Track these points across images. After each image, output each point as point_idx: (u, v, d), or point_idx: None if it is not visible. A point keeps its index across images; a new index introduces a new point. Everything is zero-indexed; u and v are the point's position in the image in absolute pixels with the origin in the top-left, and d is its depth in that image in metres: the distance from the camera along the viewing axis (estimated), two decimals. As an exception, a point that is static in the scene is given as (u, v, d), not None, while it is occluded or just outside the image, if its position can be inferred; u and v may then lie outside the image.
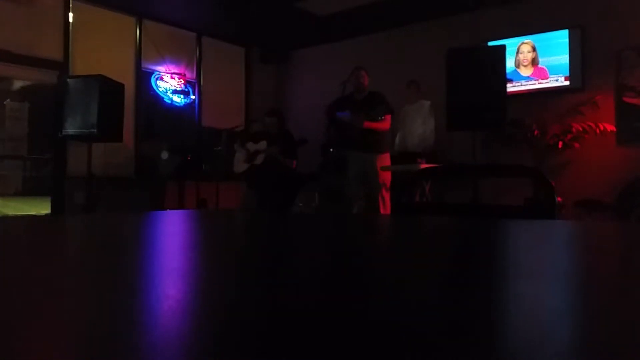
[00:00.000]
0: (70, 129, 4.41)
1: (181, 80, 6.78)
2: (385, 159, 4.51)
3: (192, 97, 6.92)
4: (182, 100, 6.79)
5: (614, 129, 5.10)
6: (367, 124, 4.27)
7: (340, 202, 4.79)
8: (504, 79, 3.77)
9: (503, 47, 3.75)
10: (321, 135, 4.97)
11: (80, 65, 5.67)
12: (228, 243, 0.80)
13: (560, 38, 5.44)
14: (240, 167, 5.16)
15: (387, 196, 4.47)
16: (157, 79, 6.53)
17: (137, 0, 5.93)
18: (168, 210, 5.02)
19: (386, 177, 4.48)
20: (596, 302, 0.39)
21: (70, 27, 5.73)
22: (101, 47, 5.97)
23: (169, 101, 6.65)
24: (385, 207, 4.44)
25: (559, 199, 4.67)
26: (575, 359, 0.24)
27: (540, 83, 5.59)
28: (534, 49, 5.63)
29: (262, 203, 4.91)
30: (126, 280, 0.44)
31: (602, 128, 5.07)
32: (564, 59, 5.42)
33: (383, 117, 4.28)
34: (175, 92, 6.71)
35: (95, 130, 4.31)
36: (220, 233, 1.00)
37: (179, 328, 0.29)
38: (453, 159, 5.43)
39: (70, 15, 5.73)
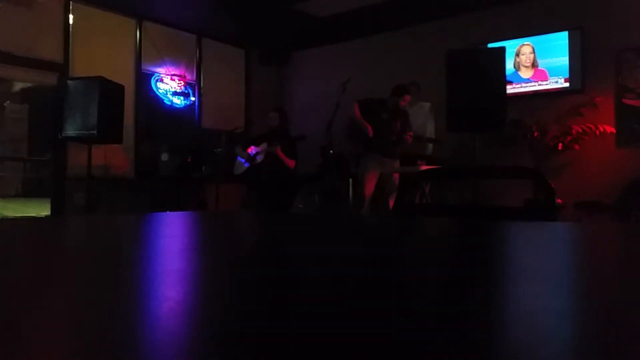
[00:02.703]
0: (70, 131, 4.41)
1: (181, 82, 6.78)
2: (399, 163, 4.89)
3: (192, 98, 6.92)
4: (182, 101, 6.79)
5: (613, 130, 5.10)
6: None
7: (340, 202, 4.85)
8: (504, 81, 3.77)
9: (503, 49, 3.75)
10: (321, 136, 4.99)
11: (80, 66, 5.67)
12: (228, 244, 0.80)
13: (560, 40, 5.44)
14: (240, 169, 5.18)
15: None
16: (157, 80, 6.54)
17: (137, 1, 5.94)
18: (168, 211, 5.02)
19: (396, 179, 4.80)
20: (596, 303, 0.39)
21: (71, 29, 5.73)
22: (101, 49, 5.98)
23: (169, 103, 6.65)
24: None
25: (559, 200, 4.67)
26: (575, 361, 0.24)
27: (540, 85, 5.59)
28: (533, 51, 5.63)
29: (261, 203, 4.93)
30: (126, 281, 0.44)
31: (601, 129, 5.06)
32: (563, 60, 5.43)
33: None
34: (175, 93, 6.71)
35: (95, 131, 4.30)
36: (221, 234, 1.00)
37: (179, 330, 0.29)
38: (453, 160, 5.44)
39: (71, 16, 5.74)
